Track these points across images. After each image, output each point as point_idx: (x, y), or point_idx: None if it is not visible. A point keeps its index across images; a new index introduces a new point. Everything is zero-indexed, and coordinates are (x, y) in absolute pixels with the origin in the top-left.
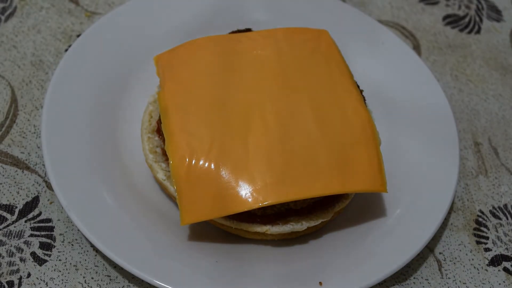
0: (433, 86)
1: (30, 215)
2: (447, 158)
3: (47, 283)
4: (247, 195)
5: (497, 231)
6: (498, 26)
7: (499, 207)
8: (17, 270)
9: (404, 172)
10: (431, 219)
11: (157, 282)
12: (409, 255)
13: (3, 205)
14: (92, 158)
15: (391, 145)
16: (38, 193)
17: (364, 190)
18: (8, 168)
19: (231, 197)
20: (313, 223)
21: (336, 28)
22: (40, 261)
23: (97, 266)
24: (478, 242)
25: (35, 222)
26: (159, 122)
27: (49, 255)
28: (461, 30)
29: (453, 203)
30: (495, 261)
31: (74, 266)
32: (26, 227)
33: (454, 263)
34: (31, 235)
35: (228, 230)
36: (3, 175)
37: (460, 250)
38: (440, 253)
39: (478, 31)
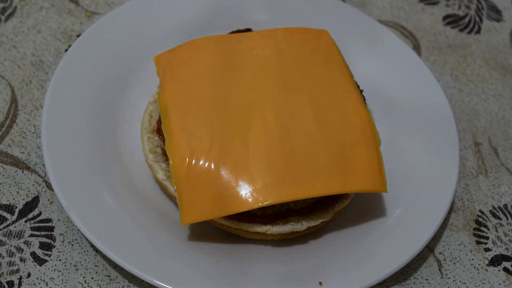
0: (433, 86)
1: (30, 215)
2: (447, 158)
3: (47, 283)
4: (247, 195)
5: (497, 231)
6: (498, 26)
7: (499, 207)
8: (17, 270)
9: (404, 172)
10: (431, 219)
11: (157, 282)
12: (409, 255)
13: (3, 205)
14: (92, 158)
15: (391, 145)
16: (38, 193)
17: (364, 190)
18: (8, 168)
19: (231, 197)
20: (313, 223)
21: (336, 28)
22: (40, 261)
23: (97, 266)
24: (478, 242)
25: (35, 222)
26: (159, 122)
27: (49, 255)
28: (461, 30)
29: (453, 203)
30: (495, 261)
31: (74, 266)
32: (26, 227)
33: (454, 263)
34: (31, 235)
35: (228, 230)
36: (3, 175)
37: (460, 250)
38: (440, 253)
39: (478, 31)
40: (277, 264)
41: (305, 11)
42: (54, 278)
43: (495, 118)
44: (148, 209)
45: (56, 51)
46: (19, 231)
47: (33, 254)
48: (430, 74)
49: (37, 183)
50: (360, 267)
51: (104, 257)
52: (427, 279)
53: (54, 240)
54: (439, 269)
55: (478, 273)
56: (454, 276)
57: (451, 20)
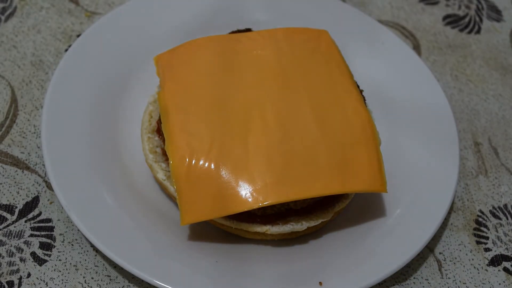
0: (433, 86)
1: (30, 215)
2: (447, 158)
3: (47, 283)
4: (247, 195)
5: (497, 231)
6: (498, 26)
7: (499, 207)
8: (17, 270)
9: (404, 172)
10: (431, 219)
11: (157, 282)
12: (409, 255)
13: (3, 205)
14: (92, 158)
15: (391, 145)
16: (38, 193)
17: (364, 190)
18: (8, 168)
19: (231, 197)
20: (313, 223)
21: (336, 28)
22: (40, 261)
23: (97, 266)
24: (478, 242)
25: (35, 222)
26: (159, 122)
27: (49, 255)
28: (461, 30)
29: (453, 203)
30: (495, 261)
31: (74, 266)
32: (26, 227)
33: (454, 263)
34: (31, 235)
35: (228, 230)
36: (3, 175)
37: (460, 250)
38: (440, 253)
39: (478, 31)
40: (277, 264)
41: (305, 11)
42: (54, 278)
43: (495, 118)
44: (148, 209)
45: (56, 51)
46: (19, 231)
47: (33, 254)
48: (430, 74)
49: (37, 183)
50: (360, 267)
51: (104, 257)
52: (427, 279)
53: (54, 240)
54: (439, 269)
55: (478, 273)
56: (454, 276)
57: (451, 20)
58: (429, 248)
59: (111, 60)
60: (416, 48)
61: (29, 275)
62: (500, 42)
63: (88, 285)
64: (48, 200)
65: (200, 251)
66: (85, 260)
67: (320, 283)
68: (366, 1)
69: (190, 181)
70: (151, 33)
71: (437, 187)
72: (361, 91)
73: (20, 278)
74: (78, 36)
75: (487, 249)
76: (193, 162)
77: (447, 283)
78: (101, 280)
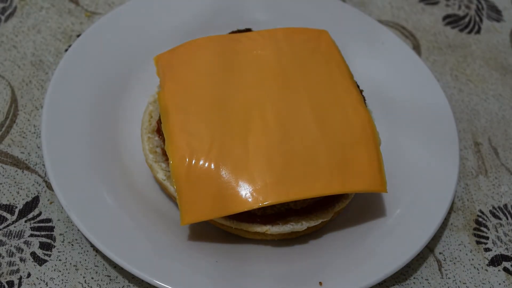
0: (433, 86)
1: (30, 215)
2: (447, 158)
3: (47, 283)
4: (247, 195)
5: (497, 231)
6: (498, 26)
7: (499, 207)
8: (17, 270)
9: (404, 172)
10: (431, 219)
11: (157, 282)
12: (409, 255)
13: (3, 205)
14: (92, 158)
15: (391, 145)
16: (38, 193)
17: (364, 190)
18: (8, 168)
19: (231, 197)
20: (313, 223)
21: (336, 28)
22: (40, 261)
23: (97, 266)
24: (478, 242)
25: (35, 222)
26: (159, 122)
27: (49, 255)
28: (461, 30)
29: (453, 203)
30: (495, 261)
31: (74, 266)
32: (26, 227)
33: (454, 263)
34: (31, 235)
35: (228, 230)
36: (3, 175)
37: (460, 250)
38: (440, 253)
39: (478, 31)
40: (277, 264)
41: (305, 11)
42: (54, 278)
43: (495, 118)
44: (148, 209)
45: (56, 51)
46: (19, 231)
47: (33, 254)
48: (430, 74)
49: (37, 183)
50: (360, 267)
51: (104, 257)
52: (427, 279)
53: (54, 240)
54: (439, 269)
55: (478, 273)
56: (454, 276)
57: (451, 20)
58: (429, 248)
59: (111, 60)
60: (416, 48)
61: (29, 275)
62: (500, 42)
63: (88, 285)
64: (48, 200)
65: (200, 251)
66: (85, 260)
67: (320, 283)
68: (366, 1)
69: (190, 181)
70: (151, 33)
71: (437, 187)
72: (361, 91)
73: (20, 278)
74: (78, 36)
75: (487, 249)
76: (193, 162)
77: (447, 283)
78: (101, 280)
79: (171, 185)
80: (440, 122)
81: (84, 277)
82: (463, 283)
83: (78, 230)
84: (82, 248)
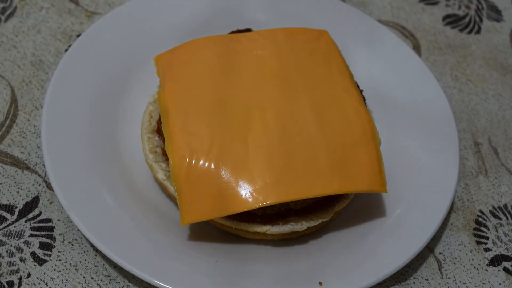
0: (433, 86)
1: (30, 215)
2: (447, 158)
3: (47, 283)
4: (247, 195)
5: (497, 231)
6: (498, 26)
7: (499, 207)
8: (17, 270)
9: (404, 172)
10: (431, 219)
11: (157, 282)
12: (409, 255)
13: (3, 205)
14: (92, 158)
15: (391, 145)
16: (38, 193)
17: (364, 190)
18: (8, 168)
19: (231, 197)
20: (313, 223)
21: (336, 28)
22: (40, 261)
23: (97, 266)
24: (478, 242)
25: (35, 222)
26: (159, 122)
27: (49, 255)
28: (461, 30)
29: (453, 203)
30: (495, 261)
31: (74, 266)
32: (26, 227)
33: (454, 263)
34: (31, 235)
35: (228, 230)
36: (3, 175)
37: (460, 250)
38: (440, 253)
39: (478, 31)
40: (277, 264)
41: (305, 11)
42: (54, 278)
43: (495, 118)
44: (148, 209)
45: (56, 51)
46: (19, 231)
47: (33, 254)
48: (430, 74)
49: (37, 183)
50: (360, 267)
51: (104, 257)
52: (427, 279)
53: (54, 240)
54: (439, 269)
55: (478, 273)
56: (454, 276)
57: (451, 20)
58: (429, 248)
59: (111, 60)
60: (416, 48)
61: (29, 275)
62: (500, 42)
63: (88, 285)
64: (48, 200)
65: (200, 251)
66: (85, 260)
67: (320, 283)
68: (366, 1)
69: (190, 181)
70: (151, 33)
71: (437, 187)
72: (361, 91)
73: (20, 278)
74: (78, 36)
75: (487, 249)
76: (193, 162)
77: (447, 283)
78: (101, 280)
79: (171, 185)
80: (440, 122)
81: (84, 277)
82: (463, 283)
83: (78, 230)
84: (82, 248)
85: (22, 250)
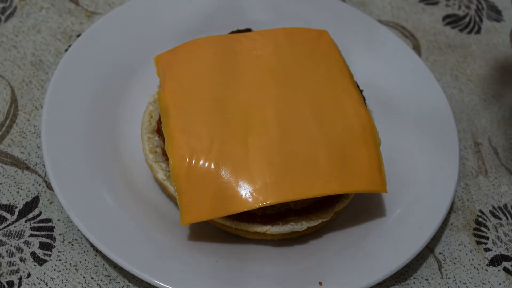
0: (433, 86)
1: (30, 215)
2: (447, 158)
3: (47, 283)
4: (247, 195)
5: (497, 231)
6: (498, 26)
7: (499, 207)
8: (17, 270)
9: (404, 172)
10: (431, 219)
11: (157, 282)
12: (409, 255)
13: (3, 205)
14: (92, 158)
15: (391, 145)
16: (38, 193)
17: (364, 190)
18: (8, 168)
19: (231, 197)
20: (313, 223)
21: (336, 28)
22: (40, 261)
23: (97, 266)
24: (478, 242)
25: (35, 222)
26: (159, 122)
27: (49, 255)
28: (461, 30)
29: (453, 203)
30: (495, 261)
31: (74, 266)
32: (26, 227)
33: (454, 263)
34: (31, 235)
35: (228, 230)
36: (3, 175)
37: (460, 250)
38: (440, 253)
39: (478, 31)
40: (277, 264)
41: (305, 11)
42: (54, 278)
43: (495, 118)
44: (148, 209)
45: (56, 51)
46: (19, 231)
47: (33, 254)
48: (430, 74)
49: (37, 183)
50: (360, 267)
51: (104, 257)
52: (427, 279)
53: (54, 240)
54: (439, 269)
55: (478, 273)
56: (454, 276)
57: (451, 20)
58: (429, 248)
59: (111, 60)
60: (416, 48)
61: (29, 275)
62: (500, 42)
63: (88, 285)
64: (48, 200)
65: (200, 251)
66: (85, 260)
67: (320, 283)
68: (366, 1)
69: (190, 181)
70: (151, 33)
71: (437, 187)
72: (361, 91)
73: (20, 278)
74: (78, 36)
75: (487, 249)
76: (193, 162)
77: (447, 283)
78: (101, 280)
79: (171, 185)
80: (440, 122)
81: (84, 277)
82: (463, 283)
83: (78, 230)
84: (82, 248)
85: (22, 250)
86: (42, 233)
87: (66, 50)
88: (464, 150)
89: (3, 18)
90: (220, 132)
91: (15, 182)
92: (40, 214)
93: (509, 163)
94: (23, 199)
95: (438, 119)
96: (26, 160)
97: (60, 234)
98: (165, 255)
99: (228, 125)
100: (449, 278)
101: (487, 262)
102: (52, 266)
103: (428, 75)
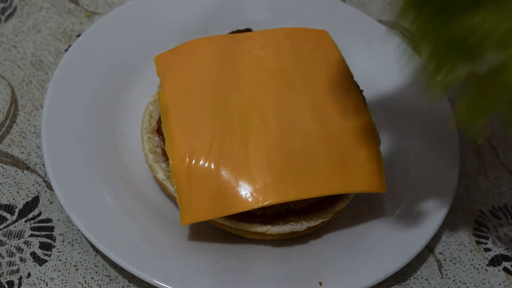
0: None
1: (30, 215)
2: (447, 158)
3: (47, 283)
4: (247, 195)
5: (497, 231)
6: None
7: (499, 207)
8: (17, 270)
9: (404, 172)
10: (431, 219)
11: (157, 282)
12: (409, 255)
13: (3, 205)
14: (92, 158)
15: (391, 145)
16: (38, 193)
17: (364, 190)
18: (8, 168)
19: (231, 197)
20: (313, 223)
21: (336, 28)
22: (40, 261)
23: (97, 266)
24: (478, 242)
25: (35, 222)
26: (159, 122)
27: (49, 255)
28: None
29: (453, 203)
30: (495, 261)
31: (74, 266)
32: (26, 227)
33: (454, 263)
34: (31, 235)
35: (228, 230)
36: (3, 175)
37: (460, 250)
38: (440, 253)
39: None
40: (277, 264)
41: (305, 11)
42: (54, 278)
43: (495, 118)
44: (148, 209)
45: (56, 51)
46: (19, 231)
47: (33, 254)
48: None
49: (37, 183)
50: (360, 267)
51: (104, 257)
52: (427, 279)
53: (54, 240)
54: (439, 269)
55: (478, 273)
56: (454, 276)
57: None
58: (429, 248)
59: (111, 60)
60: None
61: (29, 275)
62: None
63: (88, 285)
64: (48, 200)
65: (200, 251)
66: (85, 260)
67: (320, 283)
68: (366, 1)
69: (190, 181)
70: (151, 33)
71: (437, 187)
72: (361, 91)
73: (20, 278)
74: (78, 36)
75: (487, 249)
76: (193, 162)
77: (447, 283)
78: (101, 280)
79: (171, 185)
80: (440, 122)
81: (84, 277)
82: (463, 283)
83: (78, 230)
84: (82, 248)
85: (22, 250)
86: (42, 233)
87: (66, 50)
88: (464, 150)
89: (3, 18)
90: (220, 132)
91: (15, 182)
92: (40, 214)
93: (509, 163)
94: (23, 199)
95: (438, 119)
96: (26, 160)
97: (60, 234)
98: (165, 255)
99: (228, 125)
100: (449, 278)
101: (487, 262)
102: (52, 266)
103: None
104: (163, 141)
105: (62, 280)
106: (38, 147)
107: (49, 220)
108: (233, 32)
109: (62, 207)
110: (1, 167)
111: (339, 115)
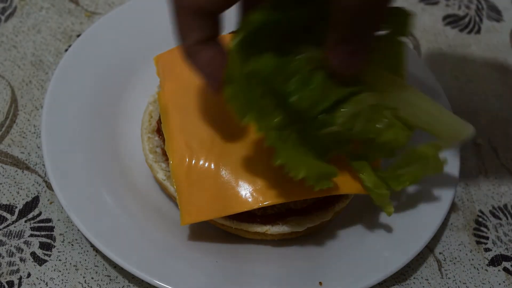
0: (433, 86)
1: (30, 215)
2: (447, 158)
3: (47, 283)
4: (247, 195)
5: (497, 231)
6: (498, 26)
7: (499, 207)
8: (17, 270)
9: None
10: (431, 219)
11: (157, 282)
12: (409, 255)
13: (3, 205)
14: (92, 158)
15: None
16: (38, 193)
17: (364, 190)
18: (8, 168)
19: (231, 197)
20: (313, 223)
21: None
22: (40, 261)
23: (97, 266)
24: (478, 242)
25: (35, 222)
26: (159, 122)
27: (49, 255)
28: (461, 30)
29: (453, 203)
30: (495, 261)
31: (74, 266)
32: (26, 227)
33: (454, 263)
34: (31, 235)
35: (228, 230)
36: (3, 175)
37: (460, 250)
38: (440, 253)
39: (478, 31)
40: (277, 264)
41: None
42: (54, 278)
43: (495, 118)
44: (148, 209)
45: (56, 51)
46: (19, 231)
47: (33, 254)
48: (430, 74)
49: (37, 183)
50: (360, 267)
51: (104, 257)
52: (427, 279)
53: (54, 240)
54: (439, 269)
55: (478, 273)
56: (454, 276)
57: (451, 20)
58: (429, 248)
59: (111, 60)
60: (416, 48)
61: (29, 275)
62: (500, 42)
63: (88, 285)
64: (48, 200)
65: (200, 251)
66: (85, 260)
67: (320, 283)
68: None
69: (190, 181)
70: (151, 33)
71: (437, 187)
72: None
73: (20, 278)
74: (78, 36)
75: (487, 249)
76: (193, 162)
77: (447, 283)
78: (101, 280)
79: (171, 185)
80: None
81: (84, 277)
82: (463, 283)
83: (78, 230)
84: (82, 248)
85: (22, 250)
86: (42, 233)
87: (66, 50)
88: (464, 150)
89: (3, 18)
90: (220, 132)
91: (15, 182)
92: (40, 214)
93: (509, 163)
94: (23, 199)
95: None
96: (26, 160)
97: (60, 234)
98: (165, 255)
99: (228, 125)
100: (449, 278)
101: (487, 262)
102: (52, 266)
103: (428, 75)
104: (163, 141)
105: (62, 280)
106: (38, 147)
107: (49, 220)
108: (233, 32)
109: (62, 207)
110: (1, 167)
111: None
